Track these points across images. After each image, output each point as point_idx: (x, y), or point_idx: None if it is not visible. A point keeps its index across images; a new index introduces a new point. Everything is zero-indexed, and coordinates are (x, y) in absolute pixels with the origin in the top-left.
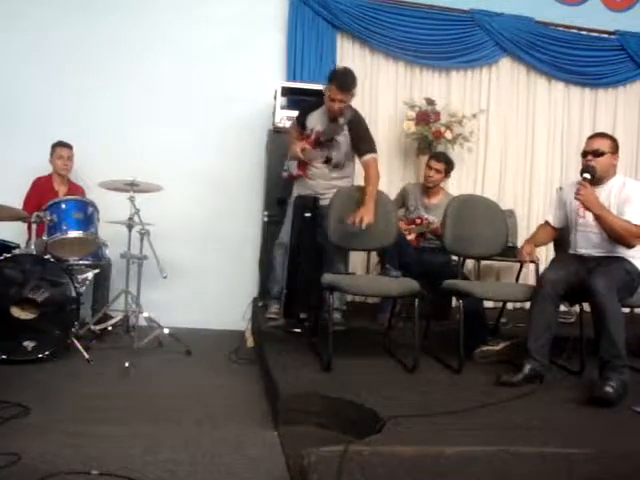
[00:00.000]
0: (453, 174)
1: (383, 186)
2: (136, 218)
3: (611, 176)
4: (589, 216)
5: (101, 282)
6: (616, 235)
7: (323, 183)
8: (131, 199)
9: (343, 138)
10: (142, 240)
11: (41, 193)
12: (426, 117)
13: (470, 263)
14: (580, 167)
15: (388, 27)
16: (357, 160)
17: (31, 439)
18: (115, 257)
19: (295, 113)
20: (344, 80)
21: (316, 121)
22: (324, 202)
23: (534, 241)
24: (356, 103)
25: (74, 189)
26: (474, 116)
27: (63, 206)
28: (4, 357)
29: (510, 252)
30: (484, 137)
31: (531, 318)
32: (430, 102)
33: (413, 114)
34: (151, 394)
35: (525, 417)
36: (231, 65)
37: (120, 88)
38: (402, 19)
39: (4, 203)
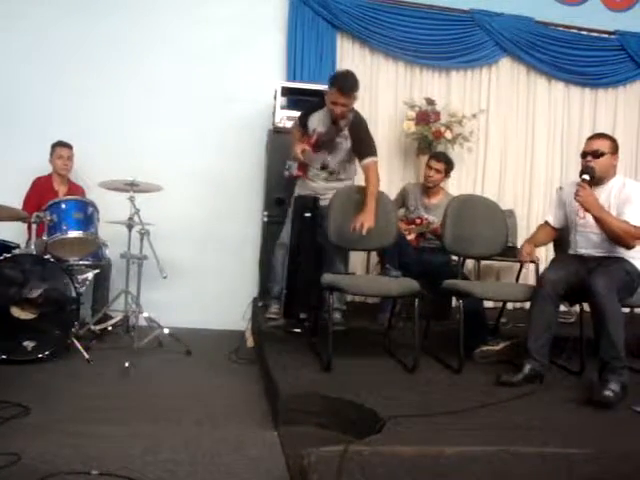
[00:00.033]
0: (453, 174)
1: (383, 186)
2: (136, 218)
3: (611, 176)
4: (589, 216)
5: (101, 282)
6: (615, 236)
7: (323, 184)
8: (131, 199)
9: (344, 140)
10: (142, 240)
11: (41, 193)
12: (426, 117)
13: (470, 263)
14: (580, 167)
15: (388, 27)
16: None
17: (31, 439)
18: (115, 257)
19: (295, 113)
20: (345, 83)
21: (318, 122)
22: (324, 202)
23: (534, 241)
24: (356, 103)
25: (74, 189)
26: (474, 116)
27: (63, 206)
28: (4, 357)
29: (510, 252)
30: (484, 137)
31: (531, 318)
32: (430, 102)
33: (413, 114)
34: (151, 394)
35: (525, 417)
36: (231, 65)
37: (120, 88)
38: (402, 19)
39: (4, 203)
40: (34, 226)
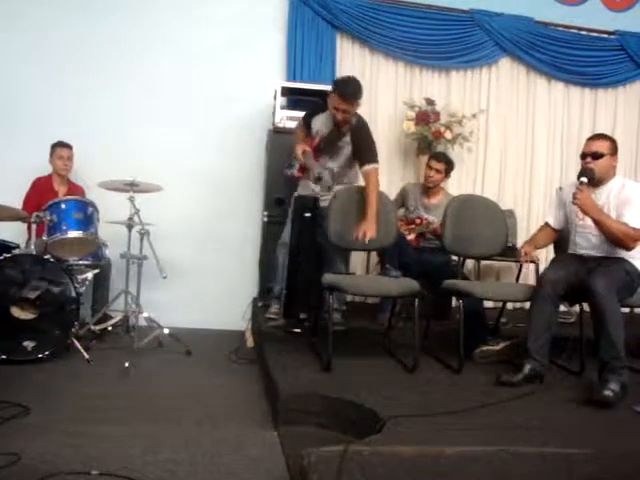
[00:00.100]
0: (453, 174)
1: (383, 186)
2: (136, 218)
3: (610, 177)
4: (588, 218)
5: (101, 282)
6: (615, 239)
7: (325, 183)
8: (131, 199)
9: (346, 145)
10: (142, 240)
11: (41, 193)
12: (426, 117)
13: (470, 263)
14: (580, 168)
15: (388, 27)
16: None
17: (31, 439)
18: (115, 257)
19: (295, 113)
20: (346, 89)
21: (321, 124)
22: (324, 203)
23: (533, 243)
24: None
25: (74, 189)
26: (474, 116)
27: (63, 206)
28: (4, 357)
29: (510, 252)
30: (484, 137)
31: (531, 318)
32: (430, 102)
33: (413, 114)
34: (151, 394)
35: (525, 417)
36: (231, 65)
37: (120, 88)
38: (402, 19)
39: (4, 203)
40: (34, 226)
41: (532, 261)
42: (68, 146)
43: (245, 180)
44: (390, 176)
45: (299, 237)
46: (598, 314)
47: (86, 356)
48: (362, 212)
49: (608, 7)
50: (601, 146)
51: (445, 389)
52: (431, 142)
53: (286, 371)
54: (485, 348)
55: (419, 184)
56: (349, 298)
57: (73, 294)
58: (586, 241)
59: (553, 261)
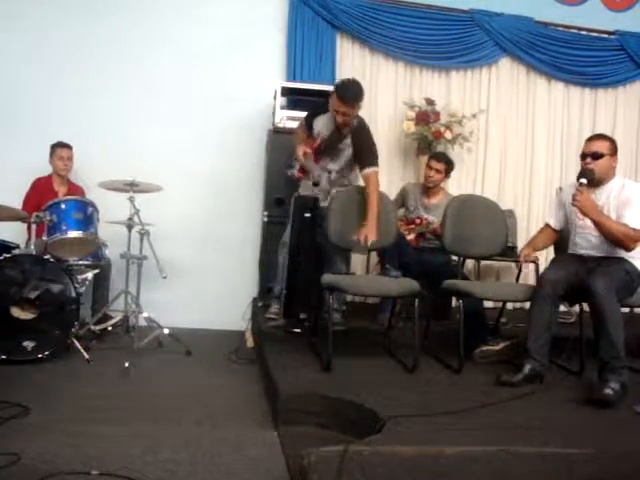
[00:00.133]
0: (453, 174)
1: (383, 186)
2: (136, 218)
3: (610, 178)
4: (588, 218)
5: (101, 282)
6: (615, 239)
7: (323, 188)
8: (131, 199)
9: (347, 147)
10: (142, 240)
11: (41, 193)
12: (426, 117)
13: (470, 263)
14: (579, 168)
15: (388, 27)
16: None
17: (31, 439)
18: (115, 257)
19: (295, 113)
20: (346, 92)
21: (323, 126)
22: (324, 203)
23: (533, 245)
24: None
25: (74, 189)
26: (474, 116)
27: (63, 206)
28: (4, 357)
29: (510, 252)
30: (484, 137)
31: (531, 318)
32: (430, 102)
33: (413, 114)
34: (151, 394)
35: (525, 417)
36: (231, 65)
37: (120, 88)
38: (402, 19)
39: (4, 203)
40: (34, 226)
41: (532, 261)
42: (68, 146)
43: (245, 180)
44: (390, 176)
45: (299, 237)
46: (598, 314)
47: (86, 356)
48: (362, 212)
49: (608, 7)
50: (601, 146)
51: (445, 389)
52: (431, 142)
53: (286, 371)
54: (485, 348)
55: (419, 184)
56: (349, 298)
57: (73, 294)
58: (586, 241)
59: (553, 261)
